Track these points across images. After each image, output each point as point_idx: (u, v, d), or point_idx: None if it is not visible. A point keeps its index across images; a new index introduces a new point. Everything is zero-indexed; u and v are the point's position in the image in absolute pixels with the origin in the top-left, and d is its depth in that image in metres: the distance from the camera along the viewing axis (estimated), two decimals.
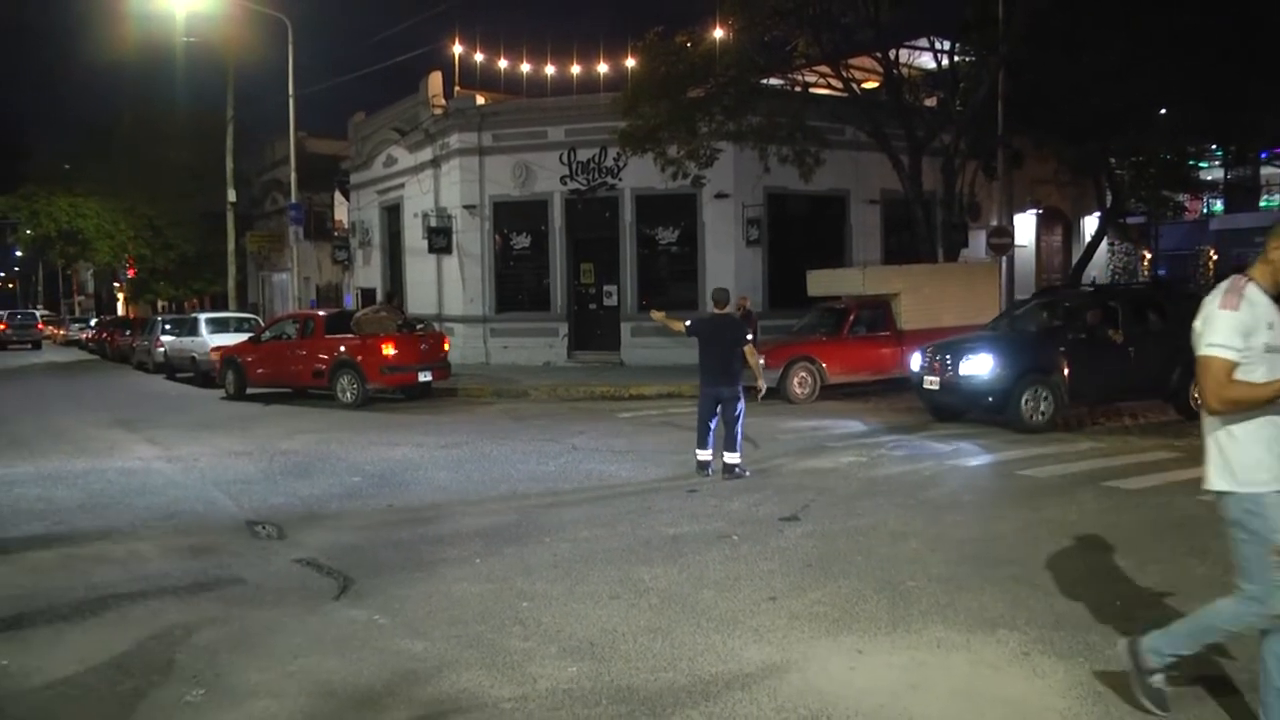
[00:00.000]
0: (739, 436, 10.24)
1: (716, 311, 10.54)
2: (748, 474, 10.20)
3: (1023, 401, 13.05)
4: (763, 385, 11.06)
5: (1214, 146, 32.39)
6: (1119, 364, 13.47)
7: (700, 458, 10.38)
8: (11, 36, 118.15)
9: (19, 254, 77.82)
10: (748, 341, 10.45)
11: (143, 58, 36.67)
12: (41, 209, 43.55)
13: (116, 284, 53.74)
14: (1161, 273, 33.78)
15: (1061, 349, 13.42)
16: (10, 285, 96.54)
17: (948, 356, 13.63)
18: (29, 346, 46.78)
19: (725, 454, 10.17)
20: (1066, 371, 13.16)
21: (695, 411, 10.71)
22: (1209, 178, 38.58)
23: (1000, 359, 13.23)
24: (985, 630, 5.62)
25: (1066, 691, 4.78)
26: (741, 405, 10.26)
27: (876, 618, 5.87)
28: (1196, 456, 10.90)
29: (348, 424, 15.57)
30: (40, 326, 51.43)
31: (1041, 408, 13.14)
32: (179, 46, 30.39)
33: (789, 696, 4.77)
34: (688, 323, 10.77)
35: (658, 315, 11.87)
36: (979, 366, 13.28)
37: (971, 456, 11.32)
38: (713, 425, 10.35)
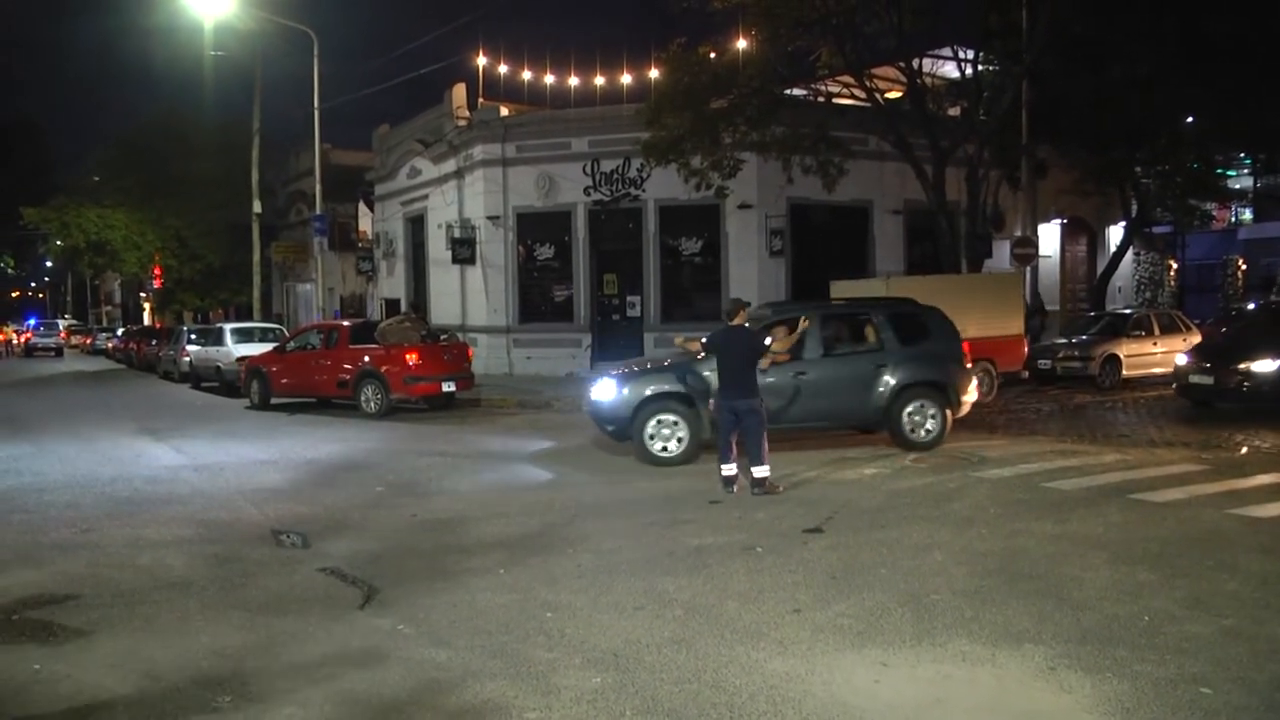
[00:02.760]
0: (764, 448, 10.02)
1: (730, 324, 10.39)
2: (780, 489, 10.04)
3: (645, 430, 11.89)
4: (767, 362, 10.74)
5: (1242, 155, 32.17)
6: (782, 392, 12.05)
7: (724, 473, 10.18)
8: (42, 51, 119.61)
9: (49, 264, 78.64)
10: (766, 349, 10.33)
11: (171, 71, 37.21)
12: (71, 220, 44.10)
13: (143, 294, 54.26)
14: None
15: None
16: (40, 295, 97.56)
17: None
18: (52, 354, 50.20)
19: (752, 469, 9.99)
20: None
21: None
22: (1237, 186, 38.31)
23: (623, 385, 12.16)
24: (1011, 644, 5.58)
25: (1094, 707, 4.74)
26: (761, 417, 10.08)
27: (901, 631, 5.85)
28: (1224, 470, 10.86)
29: (371, 434, 15.64)
30: (63, 335, 55.24)
31: (673, 439, 11.89)
32: (207, 60, 30.71)
33: (813, 709, 4.76)
34: (703, 341, 10.66)
35: (679, 340, 11.75)
36: (603, 392, 12.33)
37: (996, 469, 11.24)
38: (733, 439, 10.19)
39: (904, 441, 12.50)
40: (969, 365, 13.09)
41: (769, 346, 10.50)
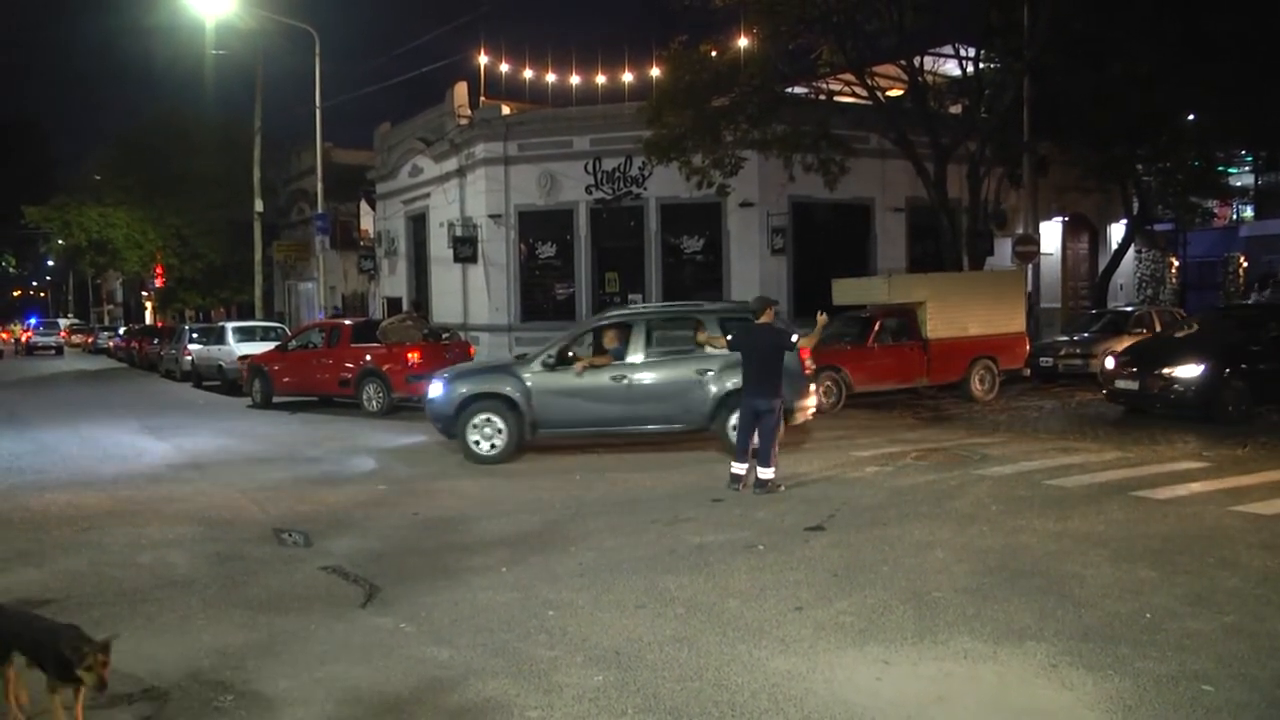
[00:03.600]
0: (773, 451, 10.03)
1: (756, 322, 10.37)
2: (782, 489, 10.04)
3: (468, 429, 12.33)
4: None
5: (1243, 152, 32.14)
6: (603, 395, 12.35)
7: (735, 470, 10.17)
8: (44, 50, 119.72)
9: (50, 263, 78.74)
10: (793, 347, 10.27)
11: (172, 70, 37.32)
12: (73, 219, 44.11)
13: (145, 293, 54.33)
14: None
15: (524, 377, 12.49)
16: (42, 294, 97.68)
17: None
18: (52, 352, 51.14)
19: (759, 469, 9.99)
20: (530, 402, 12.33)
21: None
22: (1238, 184, 38.26)
23: (449, 385, 12.61)
24: (1013, 641, 5.58)
25: (1096, 704, 4.74)
26: (777, 419, 10.06)
27: (903, 628, 5.85)
28: (1226, 467, 10.85)
29: (373, 432, 15.64)
30: (64, 334, 56.22)
31: (494, 439, 12.31)
32: (208, 59, 30.72)
33: (815, 707, 4.76)
34: (729, 337, 10.62)
35: (702, 336, 11.71)
36: (434, 392, 12.73)
37: (998, 466, 11.24)
38: (751, 439, 10.10)
39: (731, 448, 11.78)
40: (807, 373, 12.32)
41: (795, 344, 10.40)
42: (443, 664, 5.44)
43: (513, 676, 5.22)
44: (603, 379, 12.39)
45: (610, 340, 12.97)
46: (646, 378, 12.44)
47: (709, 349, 11.21)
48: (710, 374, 12.30)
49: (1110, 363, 15.59)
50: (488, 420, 12.37)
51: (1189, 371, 14.11)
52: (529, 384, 12.34)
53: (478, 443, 12.37)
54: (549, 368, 12.51)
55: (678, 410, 12.44)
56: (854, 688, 4.99)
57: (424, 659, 5.52)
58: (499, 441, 12.35)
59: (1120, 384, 15.02)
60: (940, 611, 6.12)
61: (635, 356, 12.53)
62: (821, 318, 11.02)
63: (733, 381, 11.89)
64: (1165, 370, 14.34)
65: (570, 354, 12.78)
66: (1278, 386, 14.35)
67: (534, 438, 12.54)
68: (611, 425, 12.63)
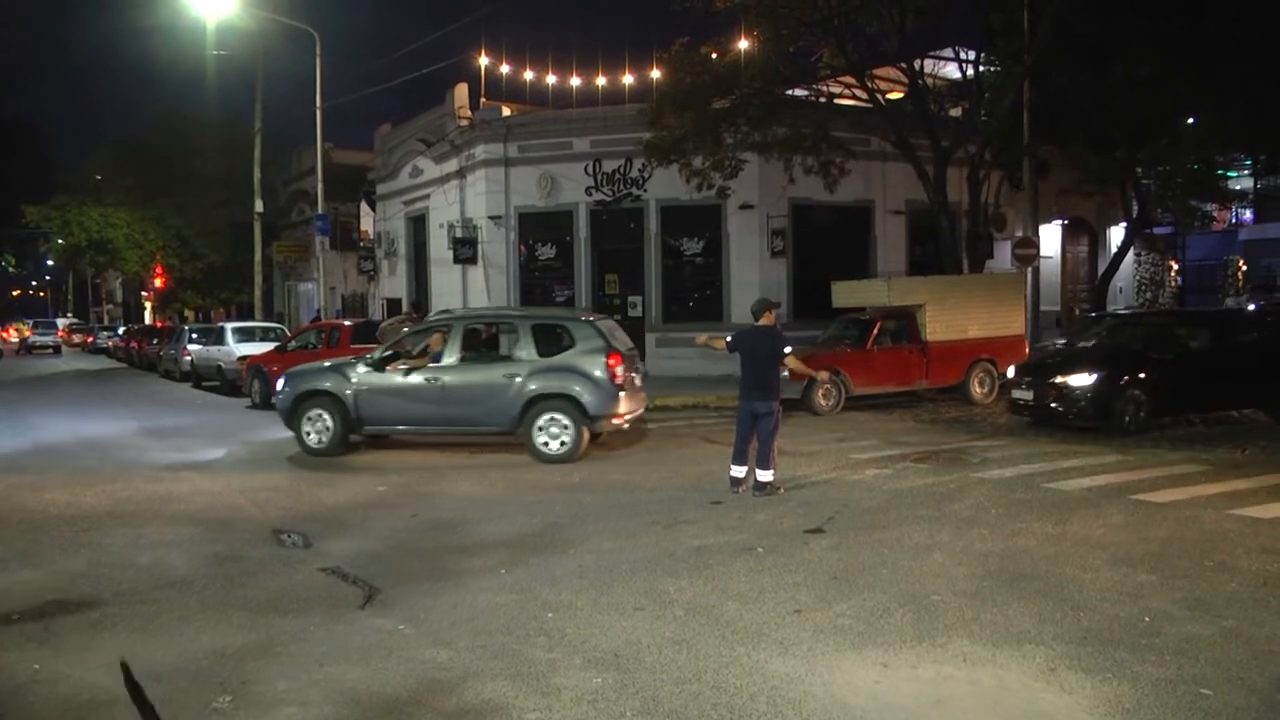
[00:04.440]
0: (772, 453, 10.04)
1: (756, 324, 10.38)
2: (781, 491, 10.05)
3: (302, 423, 13.25)
4: (821, 374, 10.89)
5: (1243, 156, 32.14)
6: (420, 395, 12.93)
7: (734, 474, 10.20)
8: (44, 50, 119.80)
9: (50, 263, 78.73)
10: (786, 354, 10.31)
11: (173, 70, 37.36)
12: (73, 219, 44.09)
13: (145, 293, 54.35)
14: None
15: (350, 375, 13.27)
16: (42, 294, 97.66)
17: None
18: (50, 351, 52.05)
19: (758, 471, 10.00)
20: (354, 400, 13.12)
21: (720, 423, 10.62)
22: (1238, 187, 38.27)
23: (287, 384, 13.70)
24: (1011, 645, 5.58)
25: (1094, 708, 4.75)
26: (776, 421, 10.06)
27: (902, 631, 5.85)
28: (1225, 471, 10.86)
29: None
30: (61, 334, 57.27)
31: (324, 433, 13.17)
32: (209, 59, 30.73)
33: (813, 710, 4.76)
34: (728, 339, 10.64)
35: (701, 339, 11.72)
36: (278, 389, 13.99)
37: (997, 469, 11.24)
38: (749, 442, 10.13)
39: (536, 453, 12.47)
40: (617, 381, 12.41)
41: (790, 351, 10.43)
42: (442, 666, 5.44)
43: (511, 678, 5.22)
44: (419, 380, 12.93)
45: (435, 343, 13.34)
46: (458, 380, 12.84)
47: (712, 346, 11.22)
48: (518, 379, 12.63)
49: (1011, 372, 15.36)
50: (319, 415, 13.20)
51: (1082, 381, 13.69)
52: (355, 383, 13.11)
53: (309, 434, 13.24)
54: (375, 368, 13.19)
55: (487, 413, 12.77)
56: (853, 690, 5.00)
57: (423, 661, 5.52)
58: (325, 437, 13.16)
59: (1016, 394, 14.66)
60: (939, 614, 6.12)
61: (450, 359, 12.97)
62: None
63: (537, 386, 12.48)
64: (1059, 379, 13.90)
65: (397, 355, 13.42)
66: (1181, 396, 14.07)
67: (361, 433, 13.42)
68: (428, 425, 13.25)
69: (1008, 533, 8.23)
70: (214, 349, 25.22)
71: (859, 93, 20.95)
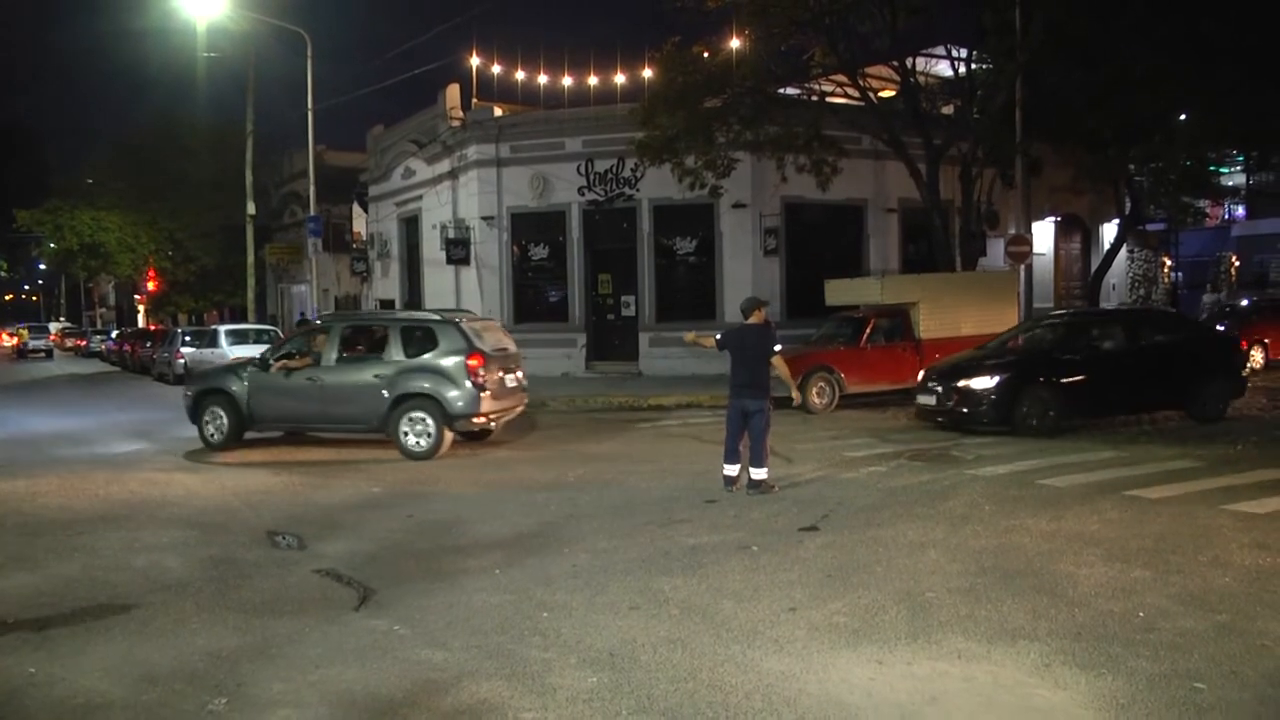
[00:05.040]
0: (765, 451, 10.05)
1: (745, 322, 10.38)
2: (776, 489, 10.06)
3: (202, 420, 14.19)
4: (797, 396, 11.04)
5: (1235, 152, 32.24)
6: (301, 394, 13.67)
7: (727, 473, 10.19)
8: (35, 53, 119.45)
9: (43, 267, 78.55)
10: (775, 352, 10.34)
11: (164, 73, 37.26)
12: (65, 223, 44.00)
13: (137, 296, 54.27)
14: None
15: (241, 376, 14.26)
16: (34, 298, 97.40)
17: None
18: (42, 355, 52.99)
19: (752, 469, 10.01)
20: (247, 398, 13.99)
21: (714, 422, 10.62)
22: (1230, 183, 38.38)
23: (191, 383, 15.21)
24: (1006, 641, 5.59)
25: (1089, 703, 4.75)
26: (767, 418, 10.06)
27: (896, 628, 5.86)
28: (1219, 466, 10.89)
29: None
30: (53, 338, 58.60)
31: (220, 425, 14.08)
32: (200, 62, 30.68)
33: (808, 708, 4.76)
34: (718, 336, 10.65)
35: (690, 336, 11.70)
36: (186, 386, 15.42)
37: (991, 466, 11.26)
38: (740, 441, 10.14)
39: (403, 451, 12.96)
40: (480, 381, 12.86)
41: (779, 350, 10.44)
42: (437, 666, 5.43)
43: (507, 678, 5.22)
44: (302, 380, 13.66)
45: (318, 344, 14.13)
46: (334, 380, 13.49)
47: (701, 344, 11.23)
48: (386, 379, 13.18)
49: (920, 375, 15.09)
50: (216, 413, 14.09)
51: (984, 383, 13.58)
52: (247, 383, 13.99)
53: (209, 429, 14.18)
54: (262, 368, 14.10)
55: (360, 412, 13.32)
56: (847, 688, 5.00)
57: (418, 661, 5.51)
58: (220, 433, 14.08)
59: (922, 399, 14.47)
60: (934, 611, 6.13)
61: (328, 360, 13.66)
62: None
63: (402, 387, 13.04)
64: (962, 383, 13.77)
65: (288, 355, 14.23)
66: (1092, 398, 13.85)
67: (253, 428, 14.22)
68: (311, 422, 14.12)
69: (1002, 529, 8.24)
70: (207, 352, 25.22)
71: (851, 91, 20.98)
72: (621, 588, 6.80)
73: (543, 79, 28.13)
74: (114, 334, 47.95)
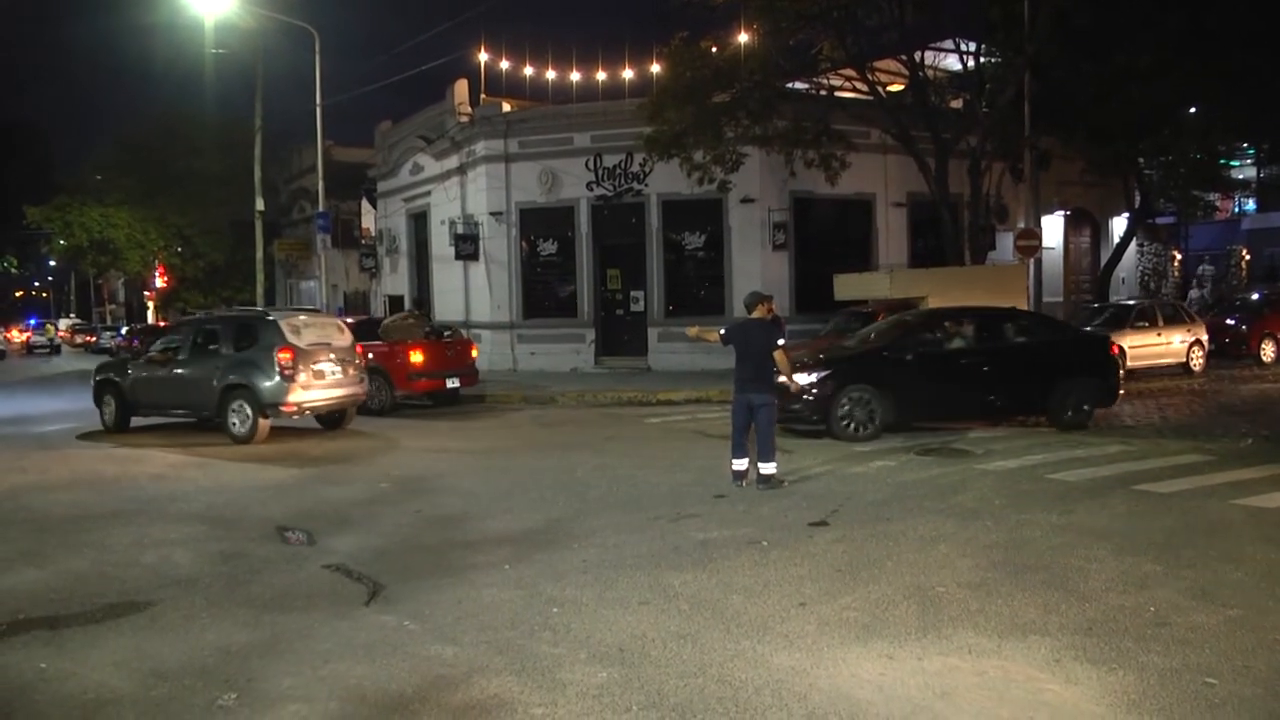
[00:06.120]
0: (773, 445, 10.03)
1: (749, 317, 10.38)
2: (785, 484, 10.05)
3: (101, 406, 16.26)
4: (793, 384, 10.98)
5: (1245, 145, 32.09)
6: (165, 384, 15.47)
7: (735, 467, 10.17)
8: (44, 51, 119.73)
9: (52, 264, 78.81)
10: (778, 346, 10.33)
11: (172, 69, 37.41)
12: (74, 219, 44.13)
13: (147, 293, 54.42)
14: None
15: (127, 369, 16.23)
16: (44, 295, 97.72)
17: None
18: (48, 351, 53.91)
19: (760, 464, 9.99)
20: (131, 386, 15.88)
21: (723, 417, 10.60)
22: (1240, 176, 38.22)
23: (95, 373, 16.79)
24: (1016, 636, 5.58)
25: (1100, 698, 4.74)
26: (773, 412, 10.04)
27: (907, 623, 5.84)
28: (1229, 460, 10.85)
29: (376, 430, 15.64)
30: (61, 335, 59.47)
31: (111, 410, 16.06)
32: (208, 58, 30.65)
33: (819, 703, 4.75)
34: (722, 331, 10.65)
35: (693, 330, 11.67)
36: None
37: (1001, 460, 11.23)
38: (746, 435, 10.12)
39: (230, 435, 14.37)
40: (288, 373, 14.07)
41: (781, 344, 10.44)
42: (447, 662, 5.44)
43: (517, 674, 5.22)
44: (165, 372, 15.47)
45: (182, 340, 15.77)
46: (185, 373, 15.22)
47: (705, 338, 11.21)
48: (218, 372, 14.64)
49: None
50: (108, 400, 16.17)
51: (800, 380, 12.44)
52: (130, 375, 15.98)
53: (105, 414, 16.21)
54: (143, 362, 16.02)
55: (203, 400, 14.85)
56: (858, 683, 4.99)
57: (428, 657, 5.51)
58: (111, 417, 16.10)
59: None
60: (944, 606, 6.12)
61: (182, 355, 15.40)
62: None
63: (227, 379, 14.45)
64: (781, 379, 13.33)
65: (166, 350, 15.79)
66: (926, 401, 13.21)
67: (138, 414, 16.02)
68: (173, 409, 15.70)
69: (1012, 524, 8.22)
70: None
71: (859, 85, 20.94)
72: (631, 583, 6.79)
73: (551, 74, 28.14)
74: (124, 330, 48.08)
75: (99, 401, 16.32)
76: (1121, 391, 14.67)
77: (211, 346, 15.15)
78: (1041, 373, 13.66)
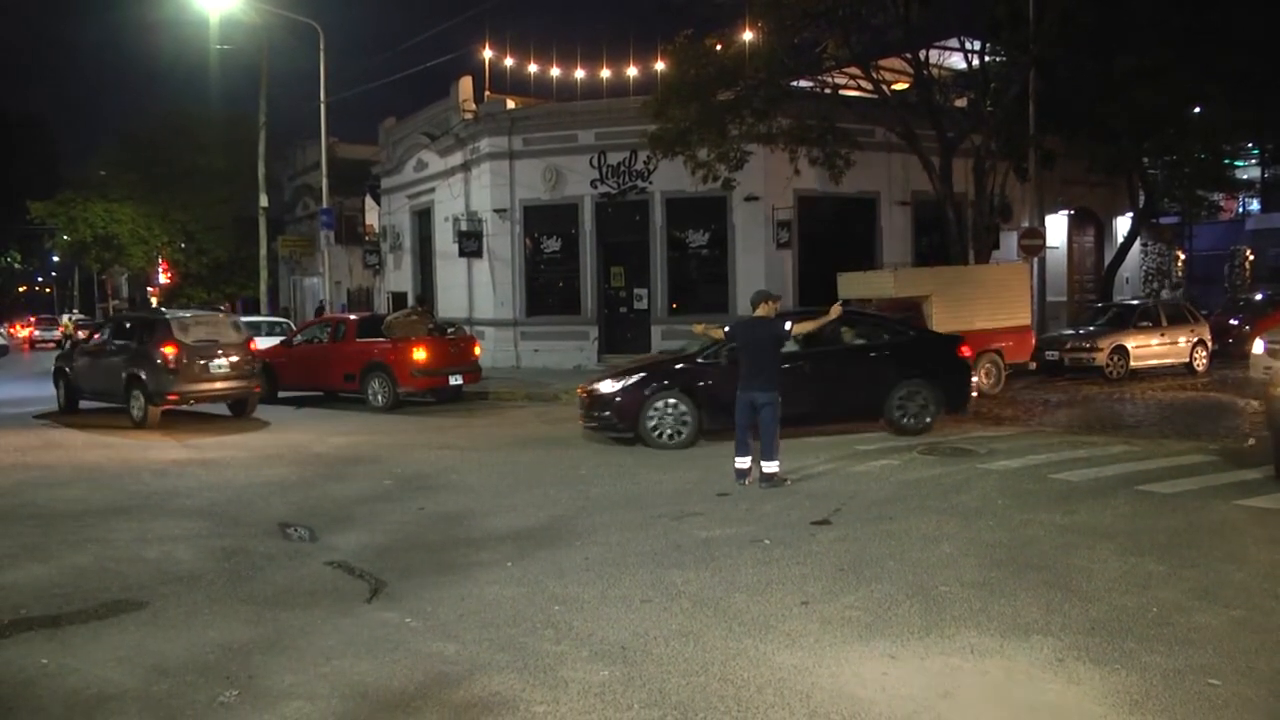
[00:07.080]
0: (776, 443, 10.01)
1: (754, 314, 10.36)
2: (789, 482, 10.05)
3: (57, 389, 18.74)
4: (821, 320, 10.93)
5: (1250, 145, 32.04)
6: (93, 371, 17.48)
7: (739, 465, 10.15)
8: (48, 46, 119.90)
9: (56, 259, 78.88)
10: (789, 337, 10.30)
11: (176, 65, 37.50)
12: (78, 215, 44.17)
13: (151, 289, 54.45)
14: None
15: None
16: (47, 290, 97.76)
17: None
18: (52, 345, 52.44)
19: (763, 463, 9.97)
20: None
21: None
22: (1245, 176, 38.15)
23: (55, 362, 19.09)
24: (1019, 636, 5.57)
25: (1102, 698, 4.73)
26: (776, 411, 10.01)
27: (909, 623, 5.84)
28: (1232, 460, 10.82)
29: (379, 427, 15.66)
30: (61, 329, 57.88)
31: (62, 394, 18.52)
32: (212, 54, 30.70)
33: (821, 702, 4.75)
34: (726, 329, 10.64)
35: (698, 328, 11.64)
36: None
37: (1004, 460, 11.22)
38: (749, 433, 10.11)
39: (132, 419, 16.07)
40: (172, 367, 15.61)
41: (790, 335, 10.43)
42: (449, 659, 5.44)
43: (519, 671, 5.22)
44: (93, 361, 17.50)
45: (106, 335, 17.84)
46: (104, 363, 17.06)
47: (710, 336, 11.20)
48: (122, 364, 16.33)
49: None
50: (60, 385, 18.61)
51: (609, 388, 12.82)
52: (75, 362, 18.20)
53: (59, 397, 18.62)
54: (84, 353, 18.08)
55: (114, 388, 16.63)
56: (860, 682, 4.99)
57: (430, 654, 5.52)
58: (61, 399, 18.56)
59: (580, 409, 13.47)
60: (947, 606, 6.11)
61: (108, 347, 17.18)
62: (836, 309, 10.97)
63: (125, 370, 16.11)
64: (593, 386, 13.09)
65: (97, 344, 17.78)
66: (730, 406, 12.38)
67: (82, 397, 18.01)
68: (100, 394, 17.43)
69: (1015, 523, 8.21)
70: None
71: (864, 84, 20.90)
72: (633, 581, 6.79)
73: (555, 71, 28.10)
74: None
75: (55, 385, 18.86)
76: (975, 394, 14.21)
77: (121, 341, 16.99)
78: (876, 377, 13.27)
